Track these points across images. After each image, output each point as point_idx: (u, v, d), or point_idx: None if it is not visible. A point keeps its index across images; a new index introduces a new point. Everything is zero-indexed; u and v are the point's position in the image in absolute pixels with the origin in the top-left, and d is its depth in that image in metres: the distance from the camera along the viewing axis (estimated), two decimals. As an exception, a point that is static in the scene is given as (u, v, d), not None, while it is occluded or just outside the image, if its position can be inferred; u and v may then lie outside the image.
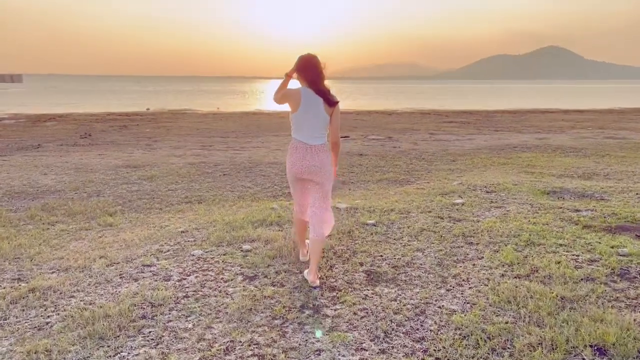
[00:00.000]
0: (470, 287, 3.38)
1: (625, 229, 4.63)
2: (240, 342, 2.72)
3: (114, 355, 2.61)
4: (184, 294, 3.33)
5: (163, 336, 2.79)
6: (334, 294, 3.32)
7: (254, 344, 2.70)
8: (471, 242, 4.30)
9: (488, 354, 2.57)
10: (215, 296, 3.30)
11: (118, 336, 2.78)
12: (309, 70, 3.40)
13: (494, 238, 4.39)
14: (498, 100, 47.65)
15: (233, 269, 3.77)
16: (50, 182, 7.37)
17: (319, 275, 3.56)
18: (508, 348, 2.62)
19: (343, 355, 2.59)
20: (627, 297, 3.19)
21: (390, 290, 3.36)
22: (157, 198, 6.38)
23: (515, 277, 3.52)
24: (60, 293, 3.38)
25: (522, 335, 2.72)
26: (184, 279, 3.59)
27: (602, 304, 3.09)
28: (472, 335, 2.74)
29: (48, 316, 3.05)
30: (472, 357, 2.54)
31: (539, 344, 2.64)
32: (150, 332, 2.84)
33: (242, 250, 4.16)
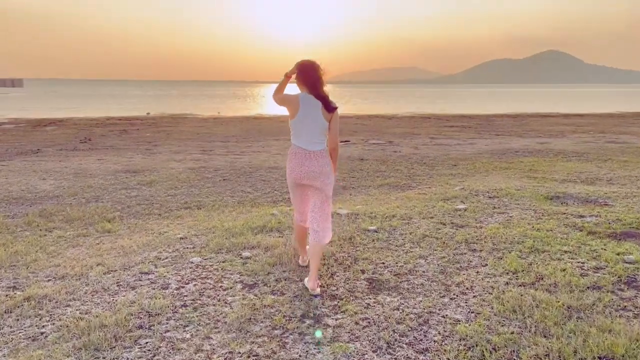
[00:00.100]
0: (474, 296, 3.31)
1: (631, 235, 4.57)
2: (240, 353, 2.65)
3: (109, 367, 2.54)
4: (182, 303, 3.26)
5: (160, 347, 2.72)
6: (335, 302, 3.25)
7: (254, 356, 2.63)
8: (474, 249, 4.23)
9: (494, 365, 2.51)
10: (214, 305, 3.23)
11: (114, 347, 2.71)
12: (308, 76, 3.40)
13: (498, 245, 4.32)
14: (498, 105, 47.63)
15: (232, 276, 3.71)
16: (48, 187, 7.31)
17: (320, 283, 3.49)
18: (514, 360, 2.55)
19: (345, 367, 2.52)
20: (635, 306, 3.11)
21: (392, 299, 3.29)
22: (156, 204, 6.32)
23: (520, 285, 3.45)
24: (56, 302, 3.31)
25: (528, 346, 2.65)
26: (182, 287, 3.53)
27: (610, 313, 3.02)
28: (477, 346, 2.67)
29: (43, 326, 2.99)
30: (478, 369, 2.47)
31: (546, 355, 2.57)
32: (147, 342, 2.77)
33: (241, 257, 4.09)
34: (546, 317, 2.94)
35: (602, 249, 4.17)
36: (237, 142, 14.25)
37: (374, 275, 3.68)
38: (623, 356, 2.54)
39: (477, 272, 3.71)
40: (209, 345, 2.74)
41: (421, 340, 2.77)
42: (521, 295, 3.26)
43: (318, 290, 3.39)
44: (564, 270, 3.69)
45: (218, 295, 3.37)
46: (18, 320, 3.07)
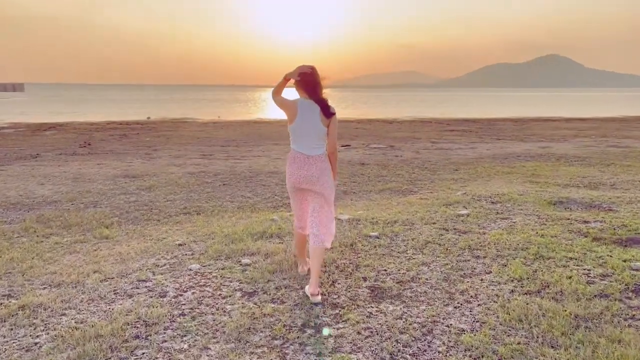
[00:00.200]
0: (479, 304, 3.23)
1: (636, 241, 4.49)
2: (238, 364, 2.58)
3: (104, 380, 2.46)
4: (180, 312, 3.19)
5: (157, 358, 2.64)
6: (337, 311, 3.18)
7: (253, 367, 2.55)
8: (478, 256, 4.16)
9: (500, 378, 2.43)
10: (213, 314, 3.16)
11: (109, 358, 2.64)
12: (308, 81, 3.40)
13: (502, 251, 4.25)
14: (499, 109, 47.60)
15: (231, 284, 3.63)
16: (47, 192, 7.25)
17: (320, 291, 3.42)
18: (521, 371, 2.48)
19: (347, 380, 2.45)
20: (644, 315, 3.04)
21: (395, 307, 3.22)
22: (155, 209, 6.25)
23: (525, 294, 3.38)
24: (51, 311, 3.24)
25: (535, 358, 2.57)
26: (181, 295, 3.45)
27: (619, 322, 2.95)
28: (482, 357, 2.60)
29: (37, 336, 2.91)
30: (484, 382, 2.39)
31: (554, 367, 2.49)
32: (143, 353, 2.69)
33: (241, 265, 4.02)
34: (553, 327, 2.87)
35: (608, 255, 4.10)
36: (237, 146, 14.19)
37: (376, 283, 3.61)
38: (634, 368, 2.46)
39: (482, 280, 3.63)
40: (207, 356, 2.66)
41: (425, 351, 2.69)
42: (527, 304, 3.18)
43: (319, 297, 3.31)
44: (570, 277, 3.62)
45: (217, 304, 3.30)
46: (12, 329, 3.00)
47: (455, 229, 4.96)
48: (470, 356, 2.61)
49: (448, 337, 2.82)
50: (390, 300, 3.33)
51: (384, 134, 18.51)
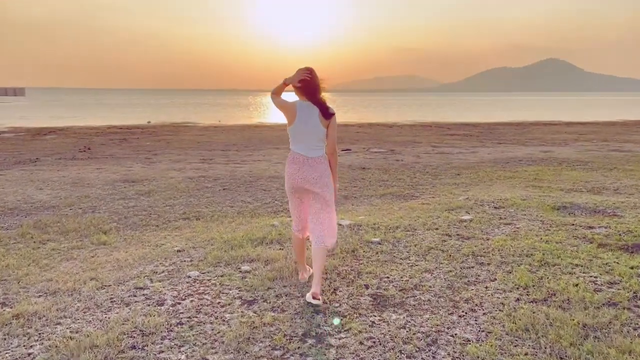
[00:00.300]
0: (484, 313, 3.16)
1: (643, 247, 4.41)
2: (237, 376, 2.50)
3: (98, 392, 2.39)
4: (178, 321, 3.11)
5: (153, 369, 2.57)
6: (338, 320, 3.10)
7: (252, 379, 2.48)
8: (482, 262, 4.08)
9: (508, 391, 2.35)
10: (211, 323, 3.08)
11: (104, 370, 2.56)
12: (307, 86, 3.39)
13: (506, 258, 4.17)
14: (499, 112, 47.58)
15: (231, 292, 3.56)
16: (45, 197, 7.18)
17: (321, 298, 3.34)
18: (529, 384, 2.40)
19: (349, 392, 2.37)
20: (654, 325, 2.96)
21: (398, 316, 3.14)
22: (154, 214, 6.18)
23: (531, 302, 3.30)
24: (46, 319, 3.16)
25: (544, 369, 2.50)
26: (179, 303, 3.38)
27: (628, 332, 2.87)
28: (489, 368, 2.52)
29: (31, 346, 2.84)
30: (491, 395, 2.32)
31: (564, 379, 2.41)
32: (139, 364, 2.62)
33: (240, 271, 3.95)
34: (561, 337, 2.79)
35: (614, 262, 4.02)
36: (237, 150, 14.13)
37: (378, 291, 3.54)
38: (646, 380, 2.39)
39: (486, 287, 3.56)
40: (205, 367, 2.59)
41: (430, 362, 2.62)
42: (533, 313, 3.11)
43: (320, 300, 3.25)
44: (577, 285, 3.54)
45: (215, 313, 3.22)
46: (5, 339, 2.92)
47: (458, 234, 4.89)
48: (476, 368, 2.53)
49: (453, 348, 2.74)
50: (393, 308, 3.25)
51: (385, 138, 18.46)
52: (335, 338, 2.88)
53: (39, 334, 2.98)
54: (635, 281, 3.58)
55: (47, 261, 4.38)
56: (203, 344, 2.83)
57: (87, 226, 5.54)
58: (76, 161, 11.57)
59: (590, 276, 3.73)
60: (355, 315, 3.15)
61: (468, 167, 10.28)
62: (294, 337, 2.89)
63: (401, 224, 5.29)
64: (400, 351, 2.72)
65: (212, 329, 3.00)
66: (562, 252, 4.27)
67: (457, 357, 2.64)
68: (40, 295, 3.58)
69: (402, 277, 3.78)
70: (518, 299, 3.35)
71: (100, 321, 3.13)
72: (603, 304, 3.25)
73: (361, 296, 3.45)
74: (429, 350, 2.72)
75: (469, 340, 2.82)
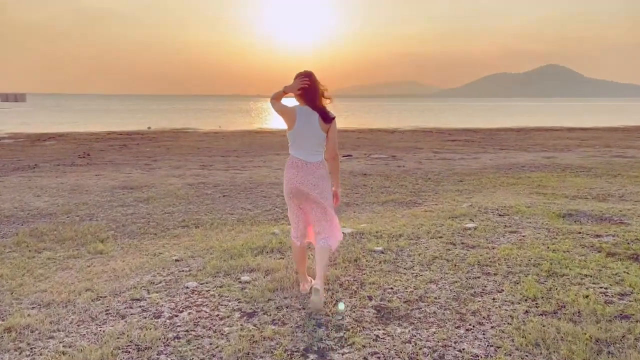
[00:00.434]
0: (492, 327, 3.05)
1: (653, 256, 4.30)
2: (236, 395, 2.39)
3: (90, 412, 2.28)
4: (175, 335, 3.00)
5: (148, 387, 2.46)
6: (341, 334, 2.99)
7: (252, 398, 2.37)
8: (488, 272, 3.97)
9: (520, 411, 2.24)
10: (209, 337, 2.97)
11: (97, 387, 2.45)
12: (307, 93, 3.39)
13: (513, 267, 4.06)
14: (500, 118, 47.52)
15: (230, 303, 3.45)
16: (42, 204, 7.08)
17: (324, 297, 3.32)
18: (542, 403, 2.29)
19: (353, 413, 2.26)
20: (670, 339, 2.85)
21: (403, 329, 3.03)
22: (152, 222, 6.07)
23: (540, 314, 3.19)
24: (39, 333, 3.05)
25: (557, 387, 2.39)
26: (176, 315, 3.27)
27: (643, 347, 2.76)
28: (499, 386, 2.41)
29: (22, 361, 2.73)
30: (503, 416, 2.21)
31: (578, 398, 2.30)
32: (134, 382, 2.51)
33: (240, 282, 3.84)
34: (574, 353, 2.68)
35: (624, 272, 3.91)
36: (238, 156, 14.04)
37: (382, 303, 3.43)
38: (664, 400, 2.27)
39: (493, 299, 3.45)
40: (203, 385, 2.48)
41: (437, 379, 2.51)
42: (543, 326, 3.00)
43: (321, 302, 3.22)
44: (587, 297, 3.43)
45: (214, 326, 3.11)
46: (-5, 354, 2.82)
47: (462, 243, 4.78)
48: (486, 385, 2.42)
49: (461, 364, 2.63)
50: (398, 321, 3.14)
51: (386, 143, 18.37)
52: (339, 353, 2.77)
53: (31, 348, 2.87)
54: (647, 292, 3.47)
55: (42, 271, 4.27)
56: (201, 359, 2.72)
57: (84, 234, 5.43)
58: (75, 167, 11.48)
59: (601, 287, 3.63)
60: (358, 329, 3.04)
61: (470, 174, 10.18)
62: (295, 352, 2.78)
63: (404, 232, 5.18)
64: (406, 367, 2.61)
65: (210, 344, 2.89)
66: (570, 261, 4.17)
67: (465, 374, 2.54)
68: (33, 307, 3.47)
69: (406, 288, 3.67)
70: (527, 312, 3.24)
71: (95, 335, 3.02)
72: (615, 317, 3.14)
73: (364, 308, 3.34)
74: (436, 367, 2.62)
75: (477, 356, 2.71)
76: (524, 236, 5.01)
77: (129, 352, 2.79)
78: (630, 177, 9.46)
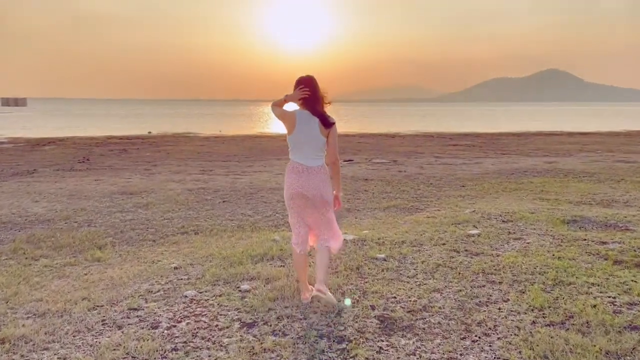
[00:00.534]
0: (498, 338, 2.96)
1: (661, 264, 4.22)
2: (235, 410, 2.31)
3: None
4: (173, 346, 2.92)
5: (145, 402, 2.38)
6: (343, 345, 2.91)
7: (251, 414, 2.28)
8: (493, 281, 3.89)
9: None
10: (208, 349, 2.89)
11: (92, 402, 2.37)
12: (308, 101, 3.39)
13: (518, 276, 3.98)
14: (501, 123, 47.48)
15: (229, 313, 3.37)
16: (40, 210, 7.01)
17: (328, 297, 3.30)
18: (553, 420, 2.20)
19: None
20: (682, 351, 2.77)
21: (407, 341, 2.95)
22: (151, 228, 6.00)
23: (548, 325, 3.11)
24: (33, 344, 2.97)
25: (567, 403, 2.30)
26: (174, 326, 3.19)
27: (655, 360, 2.67)
28: (508, 402, 2.33)
29: (15, 374, 2.65)
30: None
31: (590, 414, 2.22)
32: (130, 396, 2.43)
33: (240, 291, 3.76)
34: (584, 366, 2.60)
35: (632, 280, 3.83)
36: (238, 161, 13.98)
37: (385, 312, 3.34)
38: (680, 416, 2.19)
39: (499, 309, 3.37)
40: (201, 400, 2.39)
41: (443, 394, 2.42)
42: (551, 338, 2.91)
43: (324, 295, 3.26)
44: (595, 306, 3.35)
45: (213, 337, 3.03)
46: (-12, 366, 2.74)
47: (466, 250, 4.70)
48: (494, 401, 2.34)
49: (468, 378, 2.55)
50: (402, 332, 3.06)
51: (387, 148, 18.31)
52: (341, 366, 2.69)
53: (25, 360, 2.80)
54: (657, 302, 3.39)
55: (38, 279, 4.19)
56: (199, 372, 2.64)
57: (81, 241, 5.36)
58: (74, 172, 11.41)
59: (608, 296, 3.54)
60: (361, 340, 2.96)
61: (472, 179, 10.11)
62: (297, 364, 2.70)
63: (407, 238, 5.10)
64: (410, 381, 2.52)
65: (209, 356, 2.81)
66: (577, 269, 4.09)
67: (472, 388, 2.45)
68: (28, 317, 3.39)
69: (409, 297, 3.59)
70: (534, 322, 3.16)
71: (91, 346, 2.94)
72: (624, 328, 3.05)
73: (367, 318, 3.26)
74: (442, 380, 2.53)
75: (484, 369, 2.62)
76: (528, 243, 4.93)
77: (125, 364, 2.72)
78: (634, 182, 9.37)
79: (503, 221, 5.89)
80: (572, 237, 5.13)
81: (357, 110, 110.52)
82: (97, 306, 3.53)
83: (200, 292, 3.74)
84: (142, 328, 3.17)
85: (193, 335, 3.05)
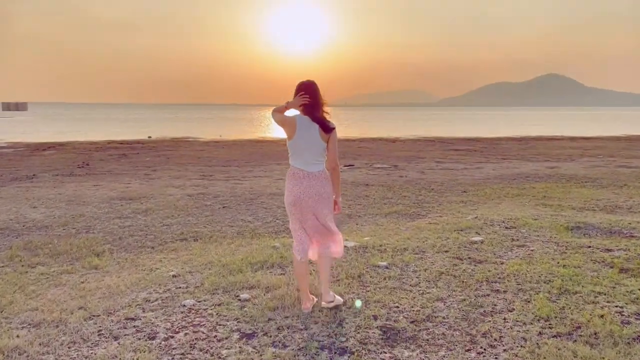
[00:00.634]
0: (504, 349, 2.89)
1: (668, 273, 4.15)
2: None
3: None
4: (170, 358, 2.85)
5: (140, 418, 2.30)
6: (345, 357, 2.84)
7: None
8: (497, 290, 3.82)
9: None
10: (206, 361, 2.81)
11: (86, 418, 2.30)
12: (308, 107, 3.39)
13: (523, 284, 3.91)
14: (502, 127, 47.43)
15: (228, 323, 3.30)
16: (38, 216, 6.94)
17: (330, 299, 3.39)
18: None
19: None
20: (693, 364, 2.69)
21: (411, 352, 2.88)
22: (150, 235, 5.93)
23: (555, 336, 3.03)
24: (27, 356, 2.90)
25: (577, 419, 2.23)
26: (172, 337, 3.12)
27: (666, 373, 2.60)
28: (515, 418, 2.25)
29: (7, 388, 2.58)
30: None
31: None
32: (125, 411, 2.35)
33: (239, 300, 3.69)
34: (593, 380, 2.53)
35: (639, 289, 3.75)
36: (238, 166, 13.92)
37: (387, 323, 3.27)
38: None
39: (504, 319, 3.29)
40: (198, 415, 2.32)
41: (448, 409, 2.35)
42: (558, 350, 2.84)
43: (332, 304, 3.42)
44: (602, 316, 3.28)
45: (211, 348, 2.96)
46: (-20, 379, 2.66)
47: (469, 258, 4.63)
48: (501, 417, 2.27)
49: (473, 392, 2.48)
50: (405, 343, 2.99)
51: (387, 153, 18.25)
52: (343, 379, 2.61)
53: (18, 373, 2.72)
54: (665, 312, 3.32)
55: (35, 287, 4.12)
56: (197, 386, 2.57)
57: (79, 248, 5.29)
58: (74, 177, 11.35)
59: (616, 306, 3.47)
60: (363, 352, 2.89)
61: (474, 184, 10.04)
62: (297, 378, 2.63)
63: (409, 245, 5.03)
64: (415, 396, 2.45)
65: (207, 368, 2.73)
66: (582, 278, 4.01)
67: (478, 403, 2.38)
68: (23, 327, 3.32)
69: (412, 307, 3.52)
70: (540, 333, 3.08)
71: (86, 358, 2.87)
72: (633, 339, 2.98)
73: (370, 329, 3.19)
74: (447, 395, 2.46)
75: (490, 383, 2.55)
76: (532, 250, 4.86)
77: (121, 377, 2.64)
78: (636, 187, 9.31)
79: (506, 227, 5.82)
80: (576, 244, 5.06)
81: (357, 114, 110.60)
82: (94, 316, 3.46)
83: (199, 301, 3.67)
84: (139, 339, 3.09)
85: (191, 347, 2.98)
